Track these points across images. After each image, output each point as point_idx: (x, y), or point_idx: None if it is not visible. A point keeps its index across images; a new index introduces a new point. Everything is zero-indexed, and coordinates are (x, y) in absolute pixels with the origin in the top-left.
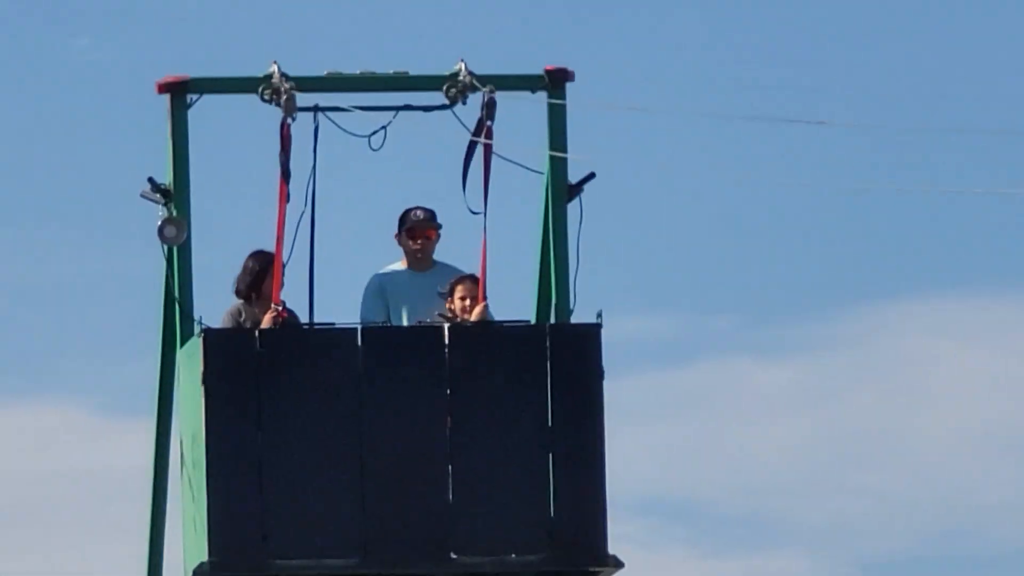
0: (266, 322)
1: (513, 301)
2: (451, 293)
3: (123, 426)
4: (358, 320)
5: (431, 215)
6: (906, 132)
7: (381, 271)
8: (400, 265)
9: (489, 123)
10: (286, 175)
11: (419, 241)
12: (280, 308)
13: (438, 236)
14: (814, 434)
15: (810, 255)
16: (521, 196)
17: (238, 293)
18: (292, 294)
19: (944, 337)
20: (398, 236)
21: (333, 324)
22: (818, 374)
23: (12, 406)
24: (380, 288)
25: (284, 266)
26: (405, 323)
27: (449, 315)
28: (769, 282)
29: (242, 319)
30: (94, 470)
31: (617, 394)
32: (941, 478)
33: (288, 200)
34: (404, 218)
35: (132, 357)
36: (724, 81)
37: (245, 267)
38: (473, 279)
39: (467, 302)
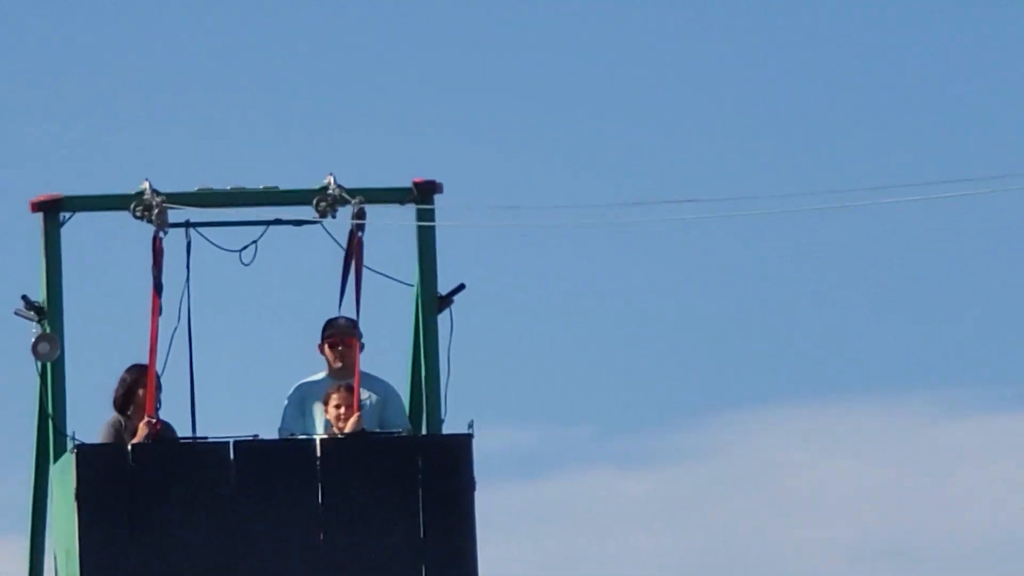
0: (140, 434)
1: None
2: (325, 403)
3: None
4: (278, 428)
5: (352, 324)
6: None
7: (304, 380)
8: (323, 374)
9: (360, 234)
10: (158, 288)
11: (339, 349)
12: (154, 420)
13: (361, 345)
14: (677, 544)
15: (672, 365)
16: (395, 307)
17: (116, 406)
18: (173, 407)
19: (804, 446)
20: (320, 346)
21: (205, 437)
22: (680, 483)
23: None
24: (301, 399)
25: (158, 378)
26: (321, 428)
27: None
28: (630, 392)
29: (122, 430)
30: None
31: (484, 505)
32: None
33: (160, 313)
34: (325, 327)
35: (3, 474)
36: (593, 192)
37: (121, 380)
38: (348, 388)
39: (342, 410)
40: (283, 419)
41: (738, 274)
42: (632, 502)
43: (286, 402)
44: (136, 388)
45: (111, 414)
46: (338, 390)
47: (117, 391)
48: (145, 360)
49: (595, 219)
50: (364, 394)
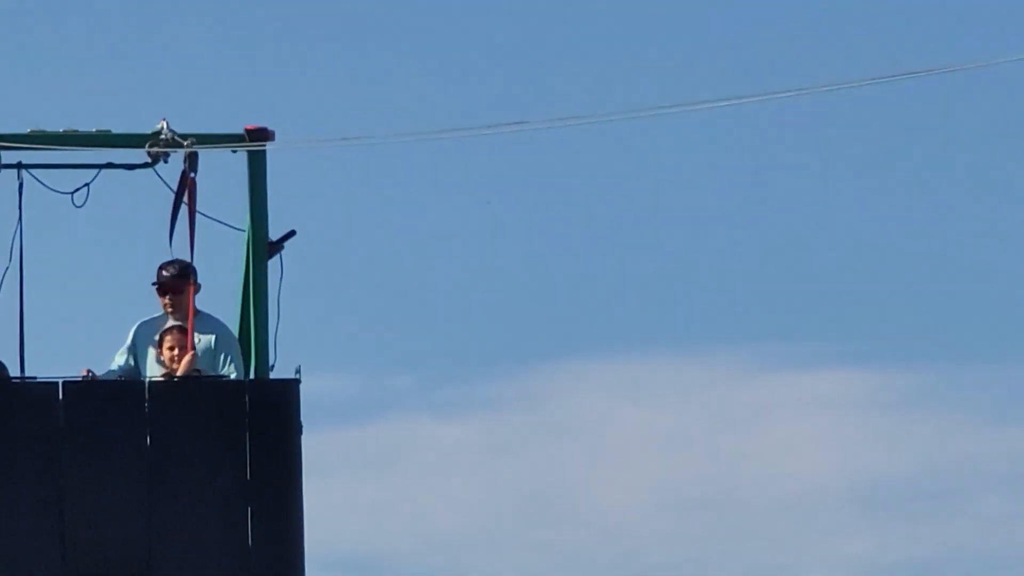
0: None
1: None
2: (160, 344)
3: None
4: (117, 356)
5: (178, 274)
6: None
7: (144, 319)
8: (161, 312)
9: (192, 175)
10: None
11: (167, 297)
12: None
13: (197, 286)
14: (493, 491)
15: (491, 316)
16: (228, 251)
17: None
18: (4, 348)
19: (619, 398)
20: (157, 291)
21: (34, 377)
22: (496, 432)
23: None
24: (133, 340)
25: None
26: (151, 370)
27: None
28: (450, 342)
29: None
30: None
31: (309, 450)
32: (617, 533)
33: None
34: (158, 272)
35: None
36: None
37: None
38: (181, 330)
39: (175, 352)
40: (120, 353)
41: (559, 225)
42: (448, 449)
43: (128, 340)
44: None
45: None
46: (171, 332)
47: None
48: None
49: (415, 137)
50: (197, 337)
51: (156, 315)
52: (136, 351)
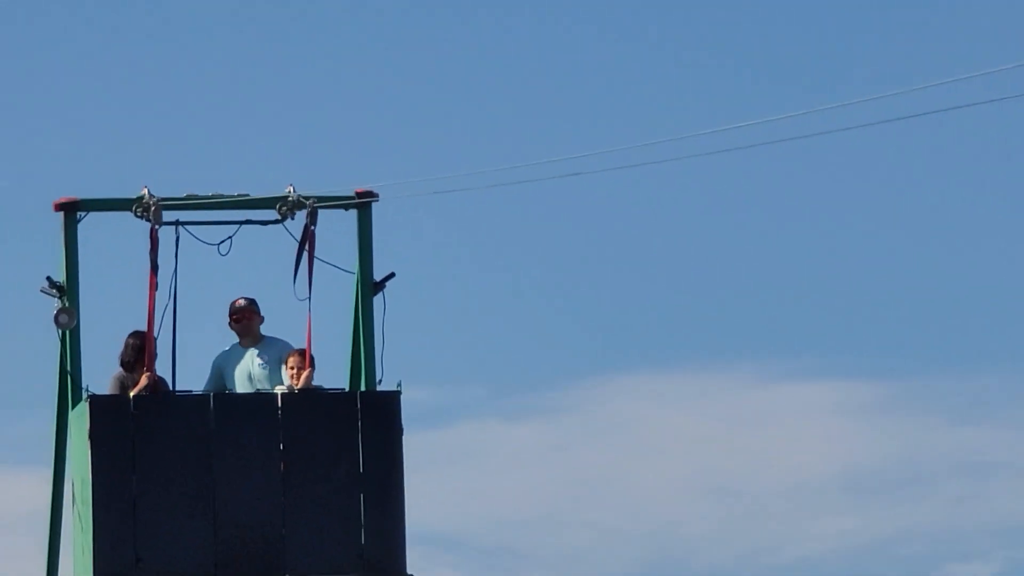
0: (140, 384)
1: (332, 370)
2: (285, 363)
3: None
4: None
5: (249, 302)
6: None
7: (223, 350)
8: (235, 341)
9: (312, 228)
10: (155, 268)
11: (240, 324)
12: (153, 374)
13: (260, 318)
14: (550, 482)
15: (546, 338)
16: (338, 290)
17: (122, 363)
18: (161, 365)
19: (653, 404)
20: (230, 324)
21: (191, 391)
22: (553, 433)
23: None
24: (218, 368)
25: (155, 340)
26: (236, 384)
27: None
28: (515, 361)
29: (126, 382)
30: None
31: (406, 448)
32: (652, 515)
33: (156, 289)
34: (230, 308)
35: (33, 416)
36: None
37: (126, 344)
38: (301, 352)
39: (294, 370)
40: (206, 383)
41: (598, 264)
42: (515, 446)
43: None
44: (138, 349)
45: (118, 370)
46: (293, 354)
47: (123, 352)
48: (144, 327)
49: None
50: (267, 354)
51: (230, 345)
52: (224, 374)
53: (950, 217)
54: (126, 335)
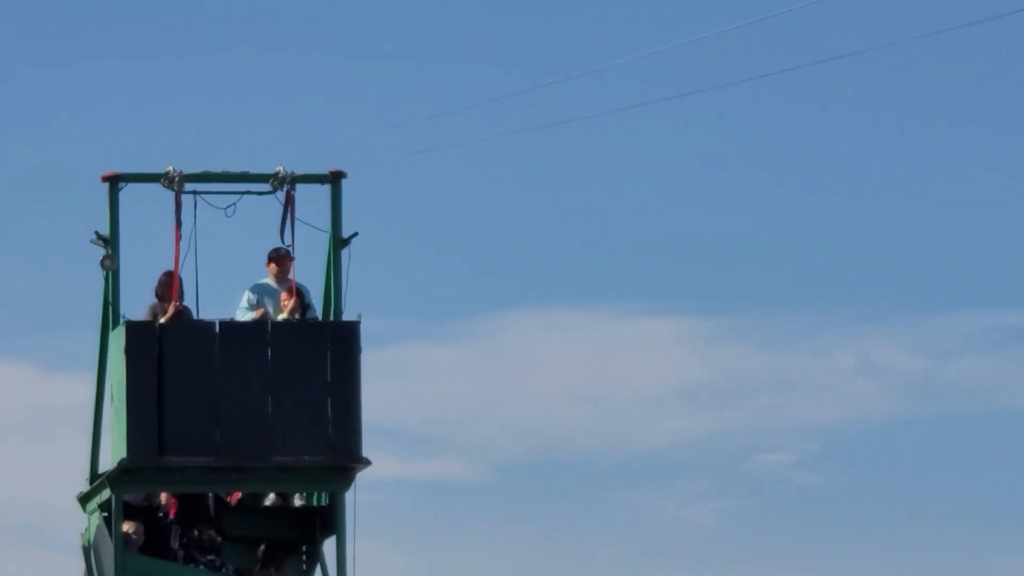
0: (170, 312)
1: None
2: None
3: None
4: (243, 302)
5: (288, 250)
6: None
7: (258, 281)
8: (269, 279)
9: (293, 194)
10: (179, 224)
11: (280, 266)
12: (179, 304)
13: (291, 264)
14: (463, 389)
15: (459, 279)
16: (318, 244)
17: (156, 295)
18: (188, 296)
19: (540, 332)
20: (268, 264)
21: (202, 320)
22: (465, 352)
23: None
24: (259, 290)
25: (181, 280)
26: (272, 312)
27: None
28: (437, 296)
29: (158, 310)
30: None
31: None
32: (538, 415)
33: (180, 239)
34: (272, 252)
35: (84, 334)
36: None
37: (159, 280)
38: (289, 289)
39: (286, 303)
40: (247, 298)
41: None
42: (436, 363)
43: (248, 293)
44: (166, 284)
45: (153, 300)
46: (289, 289)
47: (156, 286)
48: (172, 268)
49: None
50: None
51: (265, 280)
52: (259, 298)
53: (750, 189)
54: (160, 274)
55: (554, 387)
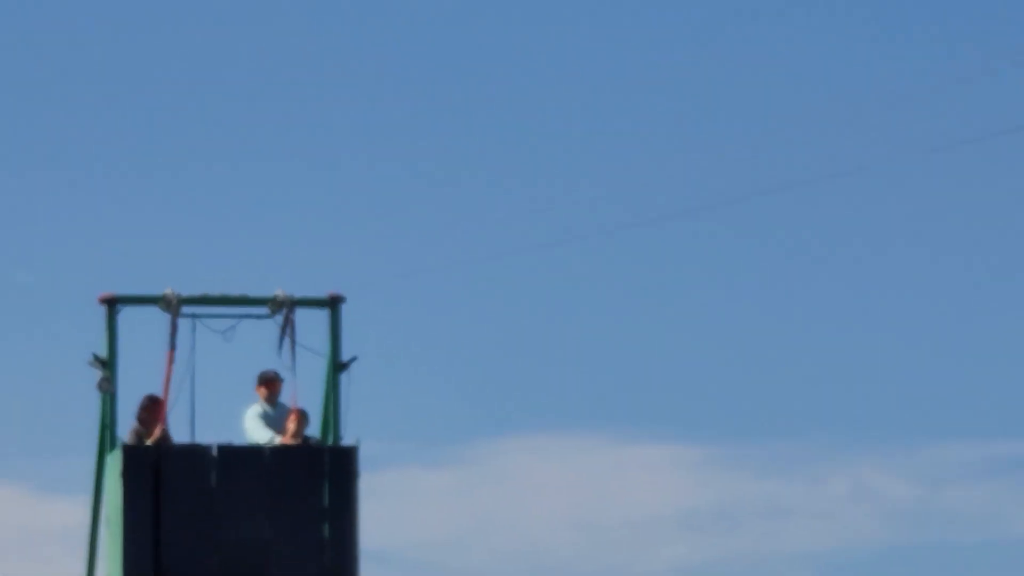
0: (156, 435)
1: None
2: (287, 418)
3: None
4: (249, 427)
5: (276, 373)
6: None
7: (252, 406)
8: (259, 404)
9: (292, 318)
10: (174, 347)
11: (270, 389)
12: (164, 429)
13: (281, 386)
14: (458, 514)
15: (454, 406)
16: (316, 367)
17: (138, 419)
18: (176, 423)
19: (535, 457)
20: (258, 387)
21: (199, 443)
22: (460, 477)
23: None
24: (260, 418)
25: (167, 403)
26: (277, 432)
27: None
28: (432, 422)
29: (141, 433)
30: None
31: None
32: (532, 540)
33: (174, 362)
34: (261, 376)
35: (81, 457)
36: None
37: (141, 405)
38: (300, 412)
39: (291, 427)
40: (254, 425)
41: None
42: (432, 488)
43: (249, 422)
44: (148, 409)
45: (135, 424)
46: (295, 411)
47: (139, 412)
48: (155, 393)
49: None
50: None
51: (257, 405)
52: (268, 422)
53: (744, 319)
54: (143, 397)
55: (549, 513)
